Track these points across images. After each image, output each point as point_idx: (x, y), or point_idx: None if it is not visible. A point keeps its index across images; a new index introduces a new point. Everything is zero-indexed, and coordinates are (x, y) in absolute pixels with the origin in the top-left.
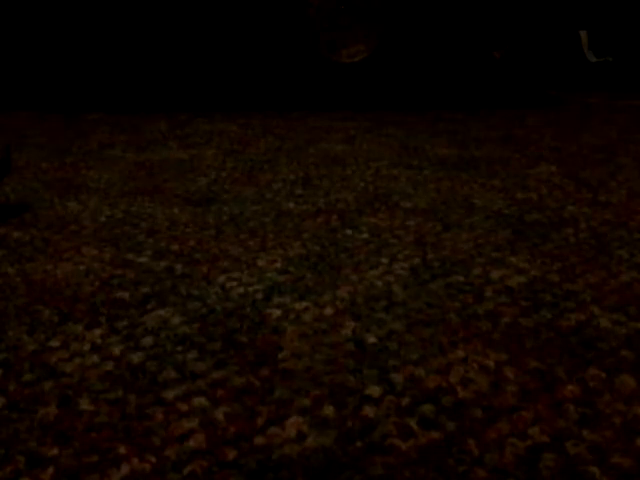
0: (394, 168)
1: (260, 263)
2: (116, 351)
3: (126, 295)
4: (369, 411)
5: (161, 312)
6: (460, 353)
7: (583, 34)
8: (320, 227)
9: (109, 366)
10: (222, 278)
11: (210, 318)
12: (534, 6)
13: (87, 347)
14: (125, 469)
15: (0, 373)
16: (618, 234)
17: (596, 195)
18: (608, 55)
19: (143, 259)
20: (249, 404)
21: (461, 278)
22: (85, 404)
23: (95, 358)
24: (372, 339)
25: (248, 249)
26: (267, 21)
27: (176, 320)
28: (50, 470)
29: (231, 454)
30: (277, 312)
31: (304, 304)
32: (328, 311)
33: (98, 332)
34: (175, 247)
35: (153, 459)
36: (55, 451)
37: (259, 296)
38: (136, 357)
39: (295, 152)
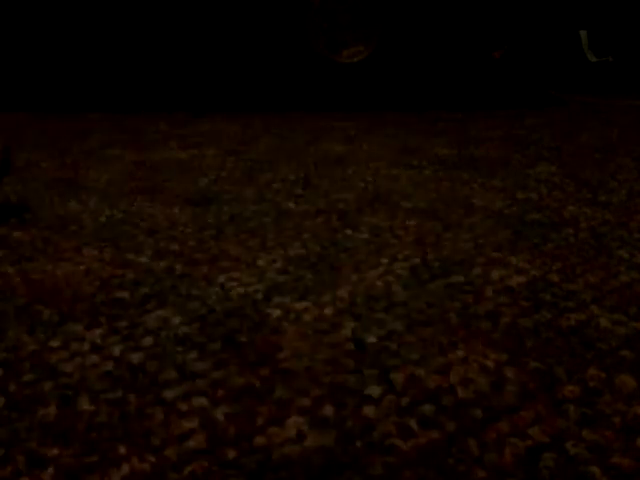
0: (394, 168)
1: (260, 263)
2: (116, 351)
3: (126, 295)
4: (369, 411)
5: (161, 312)
6: (460, 353)
7: (583, 34)
8: (320, 227)
9: (109, 366)
10: (222, 278)
11: (210, 318)
12: (534, 6)
13: (87, 347)
14: (125, 469)
15: (0, 373)
16: (618, 234)
17: (596, 195)
18: (608, 55)
19: (143, 259)
20: (249, 404)
21: (461, 278)
22: (85, 404)
23: (95, 358)
24: (372, 339)
25: (248, 249)
26: (267, 21)
27: (176, 320)
28: (50, 470)
29: (231, 454)
30: (277, 312)
31: (304, 304)
32: (328, 311)
33: (98, 332)
34: (175, 247)
35: (153, 459)
36: (55, 451)
37: (259, 296)
38: (136, 357)
39: (295, 152)
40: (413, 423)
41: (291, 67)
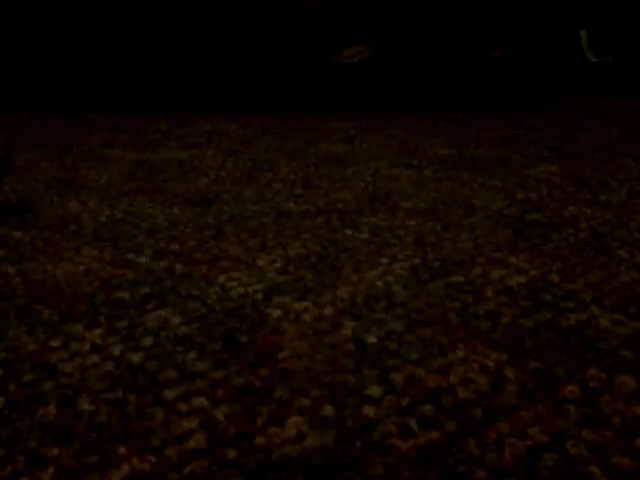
0: (394, 168)
1: (260, 263)
2: (116, 351)
3: (126, 295)
4: (369, 411)
5: (161, 312)
6: (460, 353)
7: (583, 34)
8: (320, 227)
9: (109, 366)
10: (222, 278)
11: (210, 318)
12: (534, 6)
13: (87, 347)
14: (125, 469)
15: (0, 373)
16: (618, 234)
17: (596, 195)
18: (608, 55)
19: (143, 259)
20: (249, 404)
21: (461, 278)
22: (85, 404)
23: (95, 358)
24: (372, 339)
25: (248, 249)
26: (267, 21)
27: (176, 320)
28: (50, 470)
29: (231, 454)
30: (277, 312)
31: (304, 304)
32: (328, 311)
33: (98, 332)
34: (175, 247)
35: (153, 459)
36: (55, 451)
37: (259, 296)
38: (136, 357)
39: (295, 152)
40: (413, 423)
41: (291, 67)
